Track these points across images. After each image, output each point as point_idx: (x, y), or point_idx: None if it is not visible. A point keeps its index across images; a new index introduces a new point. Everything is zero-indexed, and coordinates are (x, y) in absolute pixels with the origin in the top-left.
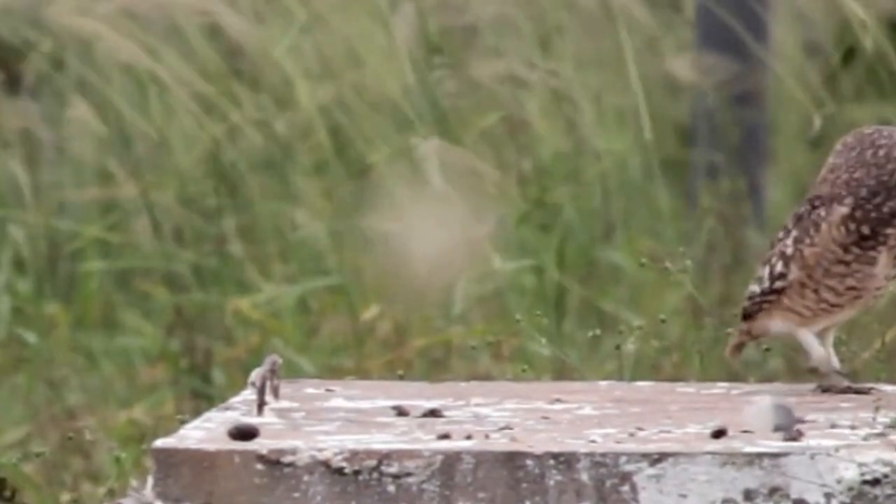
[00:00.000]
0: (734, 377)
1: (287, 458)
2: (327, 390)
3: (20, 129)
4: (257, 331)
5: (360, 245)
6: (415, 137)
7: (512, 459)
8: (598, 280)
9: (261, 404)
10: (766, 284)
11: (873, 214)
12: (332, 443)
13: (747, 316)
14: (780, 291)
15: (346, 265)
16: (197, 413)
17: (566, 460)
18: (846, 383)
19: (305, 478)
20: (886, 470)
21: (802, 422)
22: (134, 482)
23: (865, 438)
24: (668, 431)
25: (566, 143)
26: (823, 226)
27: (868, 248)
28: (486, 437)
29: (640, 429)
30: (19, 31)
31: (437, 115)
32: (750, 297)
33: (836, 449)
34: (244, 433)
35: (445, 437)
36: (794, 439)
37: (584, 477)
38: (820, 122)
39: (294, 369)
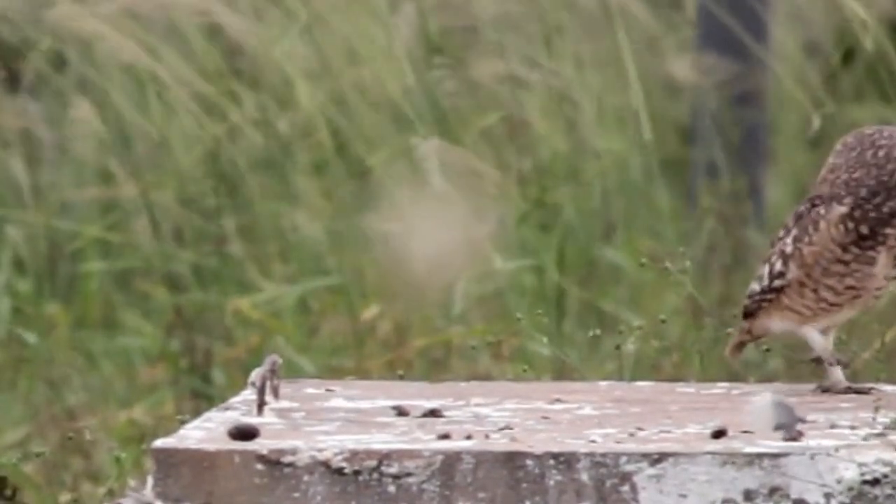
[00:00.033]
0: (734, 377)
1: (287, 458)
2: (327, 390)
3: (20, 129)
4: (257, 331)
5: (360, 245)
6: (415, 137)
7: (512, 459)
8: (598, 280)
9: (261, 404)
10: (766, 283)
11: (872, 214)
12: (332, 443)
13: (748, 315)
14: (779, 290)
15: (346, 265)
16: (197, 413)
17: (566, 460)
18: (846, 383)
19: (305, 478)
20: (886, 470)
21: (804, 421)
22: (132, 482)
23: (865, 438)
24: (668, 431)
25: (566, 143)
26: (822, 224)
27: (867, 247)
28: (486, 437)
29: (640, 429)
30: (19, 30)
31: (437, 115)
32: (750, 296)
33: (836, 449)
34: (244, 433)
35: (445, 437)
36: (794, 439)
37: (584, 477)
38: (819, 121)
39: (294, 369)
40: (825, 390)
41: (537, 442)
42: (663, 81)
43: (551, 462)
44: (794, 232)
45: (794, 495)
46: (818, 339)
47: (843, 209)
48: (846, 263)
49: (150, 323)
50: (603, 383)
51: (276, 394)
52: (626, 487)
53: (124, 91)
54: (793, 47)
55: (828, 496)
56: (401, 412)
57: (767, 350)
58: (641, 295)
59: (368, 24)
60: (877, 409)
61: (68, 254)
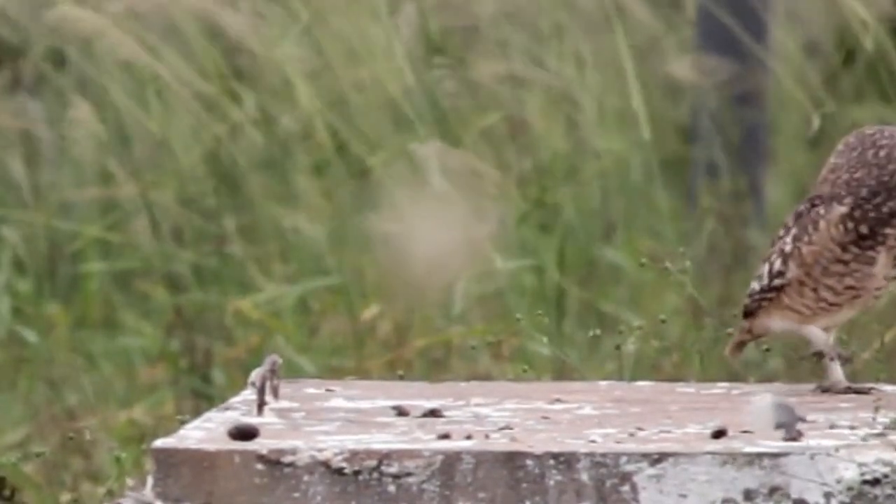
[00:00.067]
0: (734, 377)
1: (287, 458)
2: (327, 390)
3: (20, 129)
4: (257, 331)
5: (360, 245)
6: (415, 140)
7: (512, 459)
8: (598, 280)
9: (261, 404)
10: (766, 282)
11: (872, 214)
12: (332, 443)
13: (748, 314)
14: (779, 289)
15: (346, 265)
16: (197, 413)
17: (566, 460)
18: (846, 383)
19: (305, 478)
20: (886, 470)
21: (804, 420)
22: (130, 481)
23: (865, 438)
24: (668, 431)
25: (566, 143)
26: (822, 224)
27: (867, 247)
28: (486, 437)
29: (640, 429)
30: (19, 30)
31: (437, 115)
32: (750, 295)
33: (836, 449)
34: (244, 433)
35: (445, 437)
36: (794, 439)
37: (584, 477)
38: (819, 121)
39: (294, 369)
40: (825, 390)
41: (537, 442)
42: (663, 81)
43: (551, 462)
44: (794, 231)
45: (794, 495)
46: (819, 333)
47: (843, 209)
48: (846, 263)
49: (150, 323)
50: (603, 383)
51: (276, 394)
52: (626, 487)
53: (124, 90)
54: (793, 47)
55: (828, 496)
56: (401, 412)
57: (767, 350)
58: (641, 295)
59: (368, 24)
60: (877, 409)
61: (68, 254)
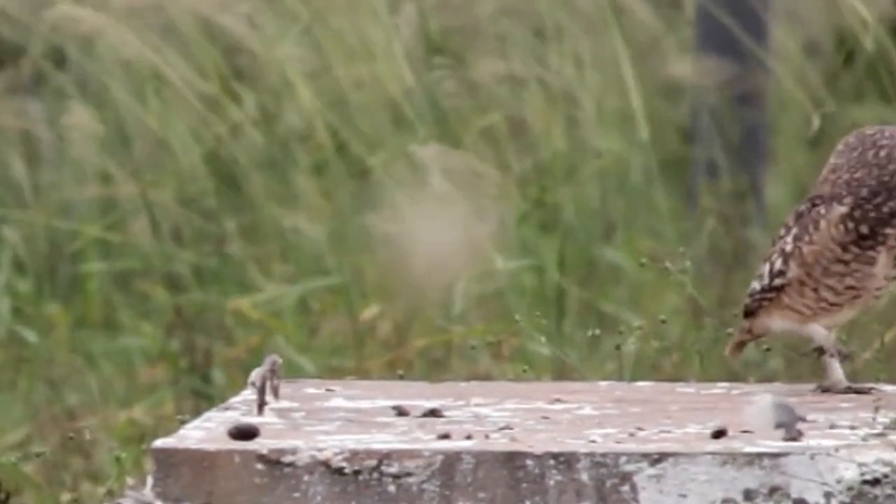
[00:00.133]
0: (734, 377)
1: (287, 458)
2: (327, 390)
3: (20, 129)
4: (257, 331)
5: (360, 245)
6: (415, 140)
7: (512, 459)
8: (598, 280)
9: (261, 404)
10: (766, 282)
11: (872, 214)
12: (332, 443)
13: (748, 313)
14: (779, 289)
15: (346, 265)
16: (197, 413)
17: (566, 460)
18: (846, 383)
19: (305, 478)
20: (886, 470)
21: (804, 420)
22: (130, 481)
23: (865, 438)
24: (668, 431)
25: (566, 143)
26: (822, 224)
27: (867, 247)
28: (486, 437)
29: (640, 429)
30: (19, 29)
31: (437, 115)
32: (751, 295)
33: (836, 449)
34: (244, 433)
35: (445, 437)
36: (794, 439)
37: (584, 477)
38: (819, 121)
39: (294, 369)
40: (825, 390)
41: (537, 442)
42: (663, 81)
43: (551, 462)
44: (795, 231)
45: (794, 495)
46: (820, 329)
47: (843, 209)
48: (846, 263)
49: (150, 323)
50: (603, 383)
51: (276, 394)
52: (626, 487)
53: (124, 90)
54: (793, 47)
55: (828, 496)
56: (401, 412)
57: (767, 350)
58: (641, 295)
59: (368, 23)
60: (877, 409)
61: (68, 254)
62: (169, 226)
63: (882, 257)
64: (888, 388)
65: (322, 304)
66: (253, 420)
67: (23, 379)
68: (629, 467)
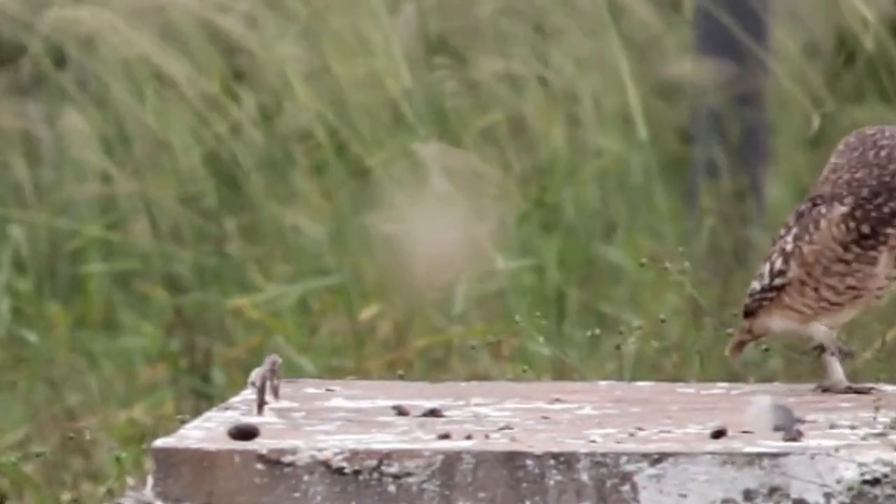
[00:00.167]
0: (734, 377)
1: (287, 458)
2: (327, 390)
3: (20, 129)
4: (257, 331)
5: (360, 245)
6: (415, 140)
7: (512, 459)
8: (598, 280)
9: (261, 404)
10: (767, 281)
11: (873, 214)
12: (332, 443)
13: (748, 313)
14: (780, 289)
15: (346, 265)
16: (197, 413)
17: (566, 460)
18: (846, 383)
19: (305, 478)
20: (886, 470)
21: (802, 421)
22: (130, 481)
23: (865, 438)
24: (668, 431)
25: (566, 143)
26: (823, 223)
27: (868, 247)
28: (486, 437)
29: (640, 429)
30: (19, 29)
31: (438, 115)
32: (751, 294)
33: (836, 449)
34: (244, 433)
35: (445, 437)
36: (794, 439)
37: (585, 477)
38: (819, 121)
39: (294, 369)
40: (825, 390)
41: (537, 442)
42: (663, 82)
43: (551, 462)
44: (795, 230)
45: (794, 495)
46: (821, 327)
47: (844, 209)
48: (847, 263)
49: (150, 323)
50: (603, 383)
51: (276, 394)
52: (626, 487)
53: (124, 89)
54: (793, 48)
55: (828, 496)
56: (401, 412)
57: (767, 350)
58: (641, 295)
59: (368, 23)
60: (877, 409)
61: (68, 254)
62: (169, 226)
63: (883, 257)
64: (888, 387)
65: (322, 304)
66: (253, 420)
67: (23, 379)
68: (629, 467)
